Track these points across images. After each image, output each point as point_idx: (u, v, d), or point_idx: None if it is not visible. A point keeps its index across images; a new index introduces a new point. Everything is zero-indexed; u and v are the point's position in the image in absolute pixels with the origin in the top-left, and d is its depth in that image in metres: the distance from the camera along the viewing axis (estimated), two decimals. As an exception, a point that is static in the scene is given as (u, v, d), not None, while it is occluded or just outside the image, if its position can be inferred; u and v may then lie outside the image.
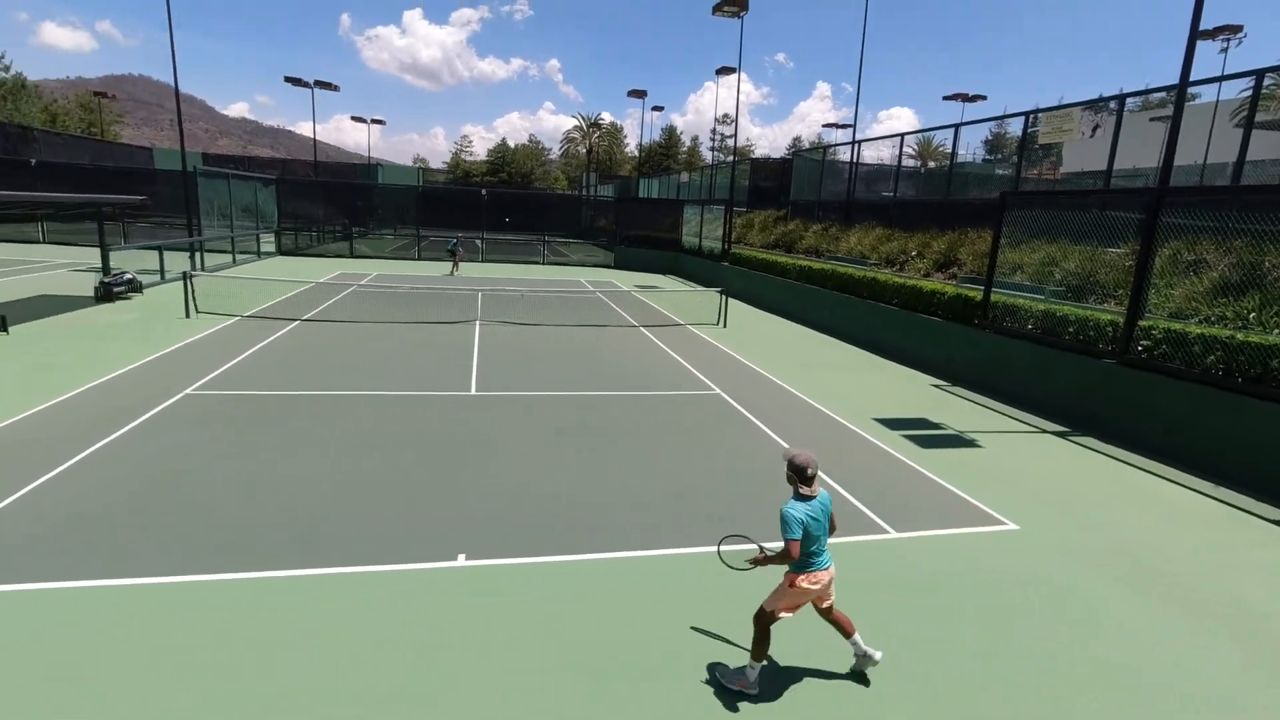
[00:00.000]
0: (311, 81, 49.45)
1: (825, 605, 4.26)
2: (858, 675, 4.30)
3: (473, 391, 10.42)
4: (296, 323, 15.06)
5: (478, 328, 15.52)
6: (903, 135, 21.56)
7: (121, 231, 28.25)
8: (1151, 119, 17.86)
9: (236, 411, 8.85)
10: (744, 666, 4.20)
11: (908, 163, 24.15)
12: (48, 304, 15.71)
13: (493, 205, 37.19)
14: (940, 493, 7.44)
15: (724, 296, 18.40)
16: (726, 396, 10.93)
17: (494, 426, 8.84)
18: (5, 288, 17.62)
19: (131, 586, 4.87)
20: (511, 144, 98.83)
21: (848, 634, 4.29)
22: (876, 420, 9.98)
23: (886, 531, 6.38)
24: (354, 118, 66.99)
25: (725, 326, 17.67)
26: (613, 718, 3.89)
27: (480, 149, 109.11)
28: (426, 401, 9.76)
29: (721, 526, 6.30)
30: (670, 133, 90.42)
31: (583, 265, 34.93)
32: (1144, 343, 9.55)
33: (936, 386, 12.48)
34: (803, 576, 4.03)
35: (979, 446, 9.11)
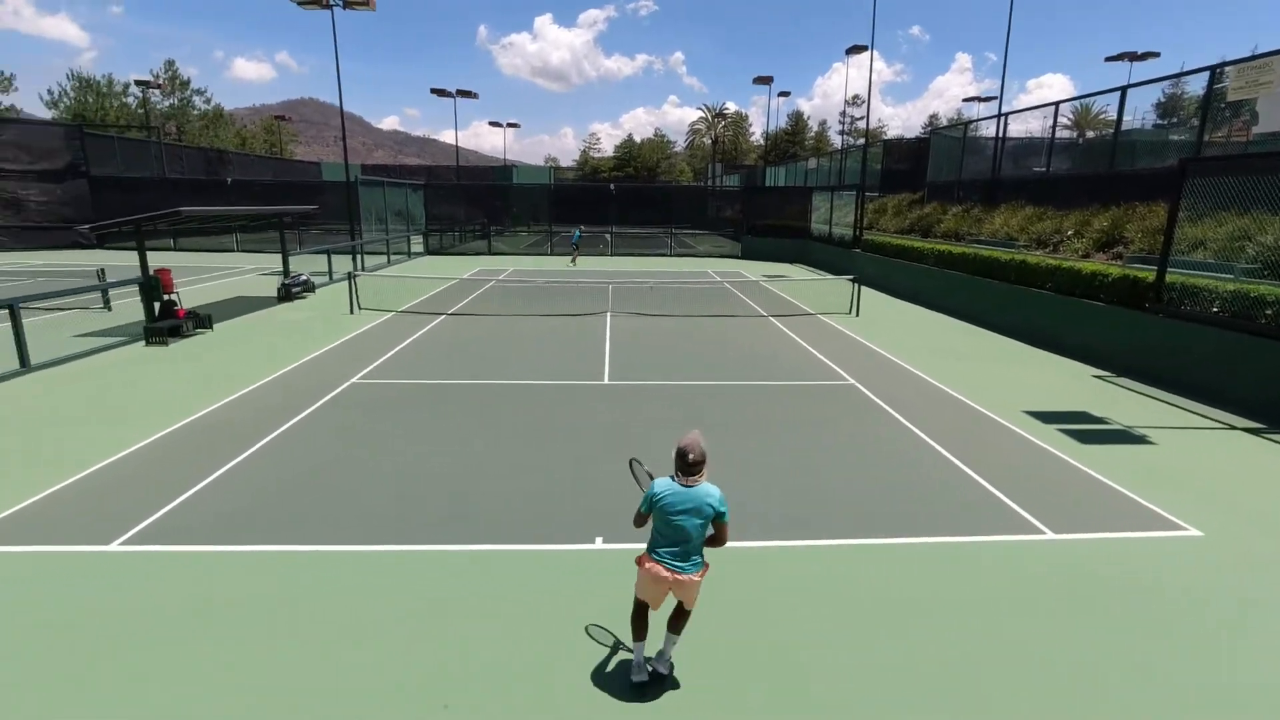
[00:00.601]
0: (454, 91, 52.79)
1: (684, 609, 3.98)
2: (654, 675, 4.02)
3: (606, 381, 10.79)
4: (443, 316, 16.25)
5: (609, 319, 16.00)
6: (1057, 104, 19.74)
7: (297, 238, 31.70)
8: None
9: (394, 399, 9.74)
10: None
11: (1062, 134, 21.96)
12: (241, 304, 17.99)
13: (620, 199, 38.00)
14: (1106, 492, 6.81)
15: (856, 284, 17.74)
16: (861, 387, 10.58)
17: (628, 415, 9.12)
18: (209, 291, 20.36)
19: (307, 553, 5.54)
20: (637, 139, 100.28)
21: (671, 629, 4.03)
22: (1028, 413, 9.27)
23: (1042, 532, 5.96)
24: (491, 123, 70.94)
25: (858, 315, 17.04)
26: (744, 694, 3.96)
27: (607, 145, 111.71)
28: (562, 390, 10.23)
29: (859, 518, 6.17)
30: (796, 118, 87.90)
31: (709, 256, 34.91)
32: (1367, 327, 8.19)
33: (1098, 378, 11.37)
34: (645, 557, 3.84)
35: (1151, 443, 8.23)
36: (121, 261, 24.79)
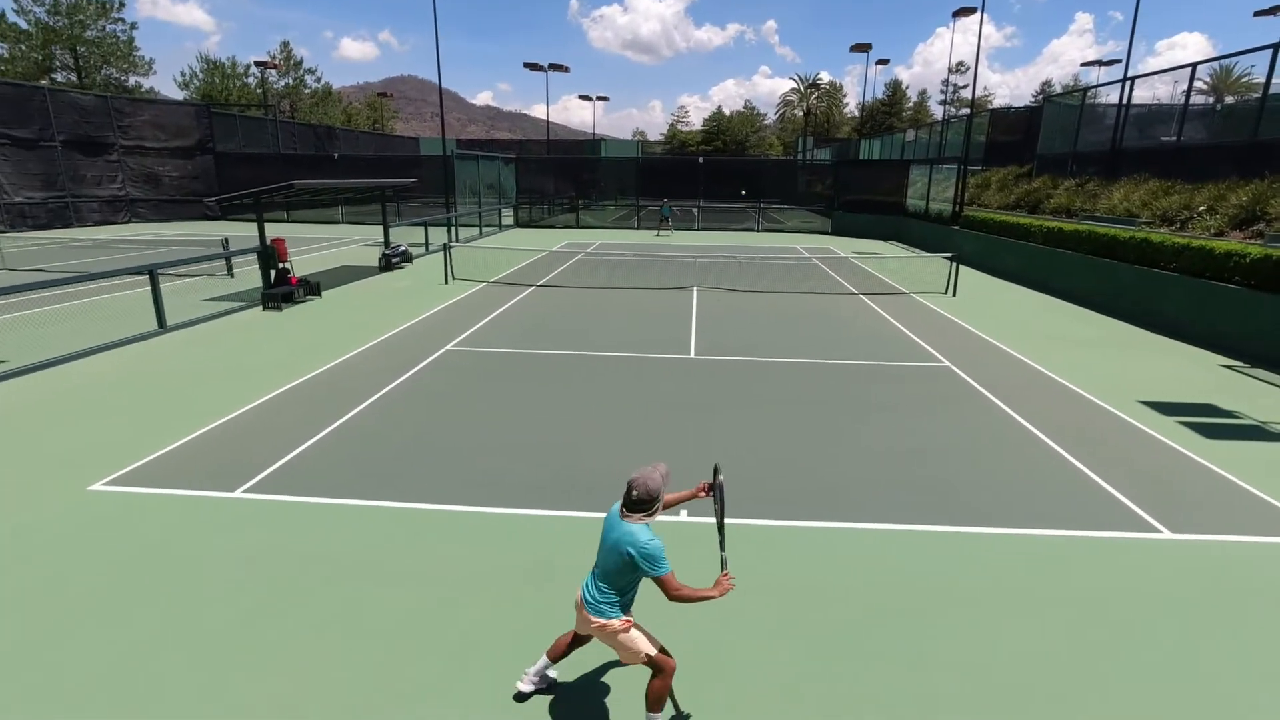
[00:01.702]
0: (545, 65, 53.35)
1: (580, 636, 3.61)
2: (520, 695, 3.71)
3: (692, 355, 10.81)
4: (533, 288, 16.66)
5: (695, 294, 15.96)
6: (1194, 65, 17.87)
7: (398, 211, 33.15)
8: None
9: (487, 366, 10.11)
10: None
11: (1197, 100, 19.91)
12: (346, 273, 19.05)
13: (709, 173, 37.52)
14: (1231, 491, 6.29)
15: (954, 263, 16.89)
16: (957, 370, 10.13)
17: (713, 390, 9.13)
18: (317, 261, 21.64)
19: (411, 510, 5.88)
20: (726, 111, 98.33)
21: (552, 657, 3.70)
22: (1144, 403, 8.63)
23: (1159, 531, 5.58)
24: (580, 96, 71.17)
25: (955, 295, 16.25)
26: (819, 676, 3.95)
27: (695, 119, 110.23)
28: (649, 364, 10.33)
29: (954, 508, 5.97)
30: (895, 88, 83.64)
31: (798, 232, 34.08)
32: None
33: (1228, 367, 10.42)
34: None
35: (1288, 441, 7.50)
36: (242, 232, 26.71)
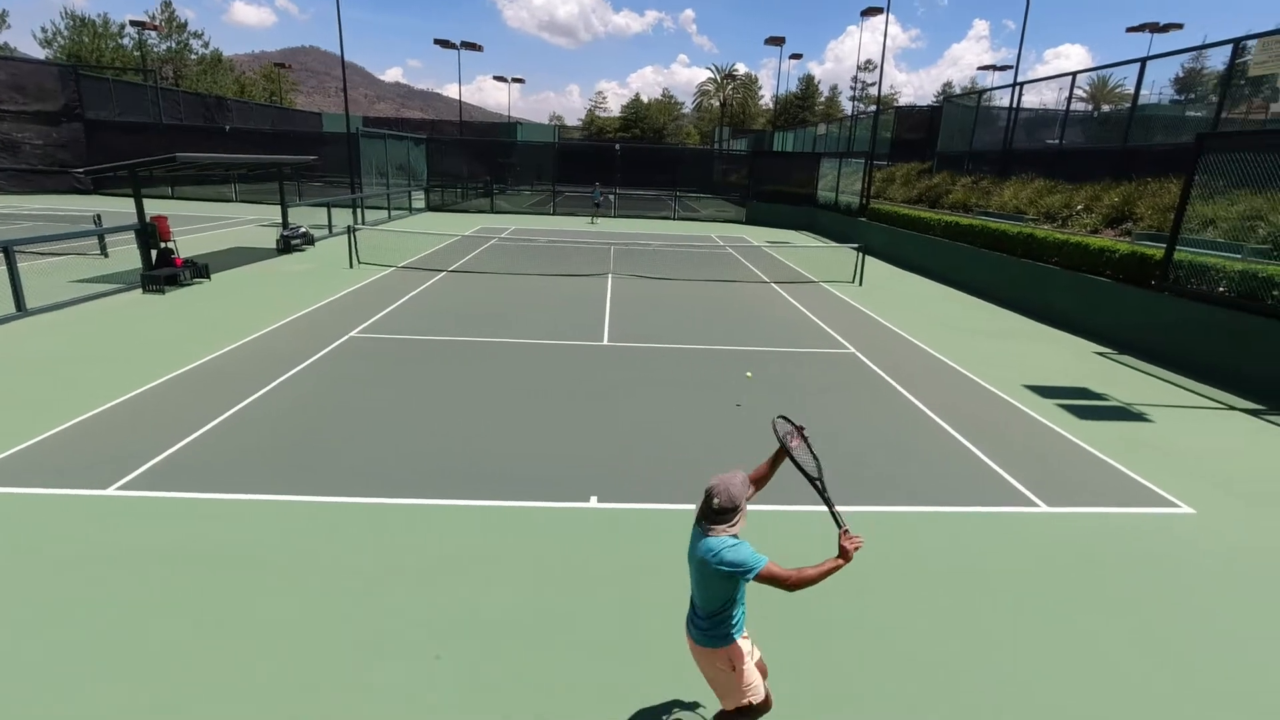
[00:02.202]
0: (458, 43, 51.57)
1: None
2: None
3: (605, 342, 10.74)
4: (444, 273, 16.12)
5: (610, 281, 15.88)
6: (1074, 74, 19.26)
7: (297, 190, 31.29)
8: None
9: (393, 353, 9.69)
10: None
11: (1078, 106, 21.50)
12: (240, 255, 17.82)
13: (627, 161, 37.44)
14: (1100, 467, 6.83)
15: (861, 254, 17.57)
16: (862, 356, 10.54)
17: (626, 376, 9.10)
18: (207, 241, 20.14)
19: (301, 503, 5.55)
20: (645, 99, 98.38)
21: None
22: (1028, 387, 9.25)
23: (1036, 505, 5.98)
24: (495, 77, 69.34)
25: (862, 285, 16.92)
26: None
27: (614, 105, 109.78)
28: (562, 350, 10.19)
29: (853, 486, 6.18)
30: (808, 83, 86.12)
31: (714, 220, 34.55)
32: (1374, 311, 8.12)
33: (1101, 354, 11.33)
34: None
35: (1149, 421, 8.23)
36: (118, 208, 24.51)
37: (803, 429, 3.12)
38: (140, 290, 12.88)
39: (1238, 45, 13.40)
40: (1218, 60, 14.97)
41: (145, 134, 34.20)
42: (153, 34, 54.60)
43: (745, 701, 3.02)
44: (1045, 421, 8.06)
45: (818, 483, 3.08)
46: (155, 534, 4.97)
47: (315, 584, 4.48)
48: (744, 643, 3.01)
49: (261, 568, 4.63)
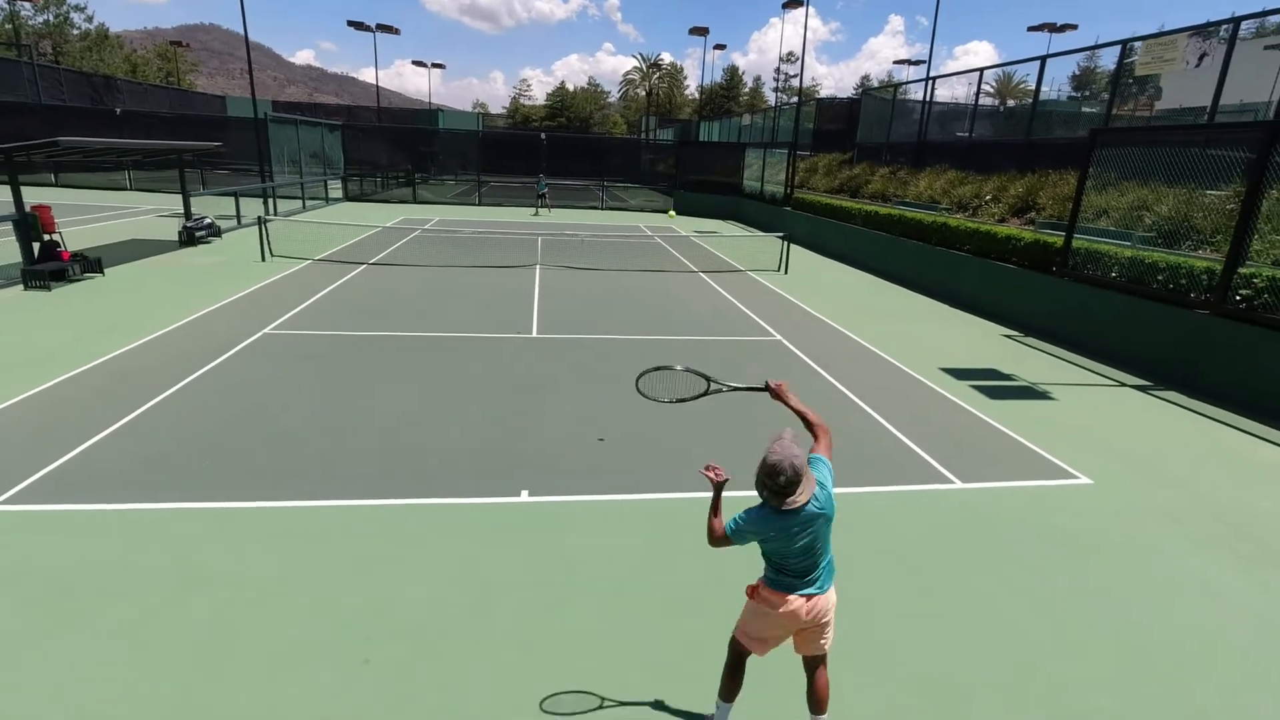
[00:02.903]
0: (373, 25, 49.54)
1: (808, 654, 3.18)
2: None
3: (534, 334, 10.59)
4: (364, 266, 15.51)
5: (538, 272, 15.66)
6: (981, 71, 20.27)
7: (201, 178, 29.39)
8: (1267, 47, 16.16)
9: (311, 350, 9.25)
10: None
11: (985, 101, 22.64)
12: (138, 248, 16.61)
13: (553, 150, 36.96)
14: (1009, 444, 7.22)
15: (786, 243, 17.97)
16: (788, 343, 10.78)
17: (555, 368, 8.99)
18: (99, 232, 18.67)
19: (217, 510, 5.24)
20: (570, 87, 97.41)
21: (814, 710, 3.24)
22: (943, 370, 9.69)
23: (951, 482, 6.27)
24: (415, 62, 67.06)
25: (787, 273, 17.30)
26: (649, 645, 4.02)
27: (539, 93, 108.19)
28: (489, 343, 9.98)
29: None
30: (732, 73, 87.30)
31: (642, 210, 34.59)
32: (1243, 292, 8.89)
33: (1008, 337, 11.99)
34: (765, 589, 3.01)
35: (1052, 399, 8.77)
36: (-5, 197, 22.39)
37: (666, 367, 3.20)
38: (21, 287, 11.83)
39: (1126, 46, 14.38)
40: (1109, 60, 16.03)
41: (21, 115, 31.37)
42: (27, 6, 50.02)
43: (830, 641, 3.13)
44: (959, 401, 8.46)
45: (712, 384, 3.25)
46: (43, 551, 4.58)
47: (229, 593, 4.22)
48: (774, 596, 2.99)
49: (168, 581, 4.32)
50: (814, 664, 3.21)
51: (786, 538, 2.83)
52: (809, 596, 2.94)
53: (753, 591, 3.04)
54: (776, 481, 2.71)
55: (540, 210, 30.84)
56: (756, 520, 2.85)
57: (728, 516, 2.96)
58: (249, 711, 3.39)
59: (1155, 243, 11.18)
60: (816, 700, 3.21)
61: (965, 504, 5.90)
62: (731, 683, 3.25)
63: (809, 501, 2.79)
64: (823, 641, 3.10)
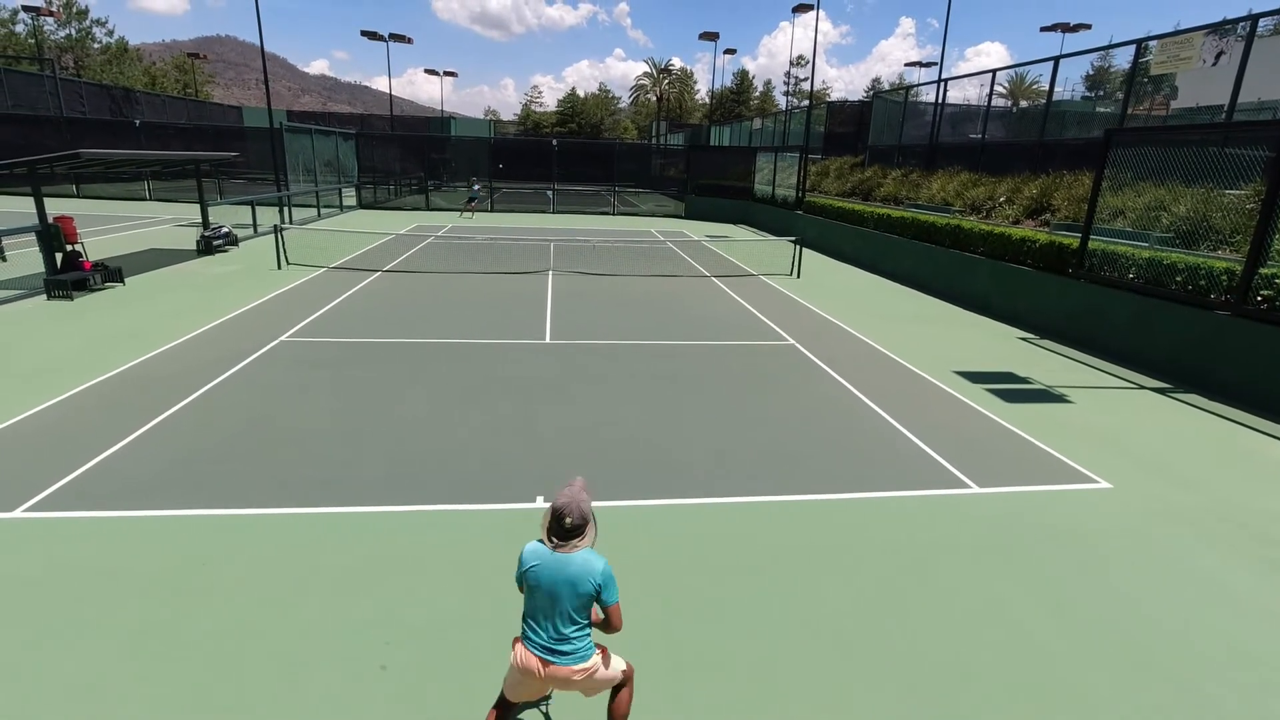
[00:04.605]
0: (386, 35, 50.03)
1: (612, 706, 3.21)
2: None
3: (547, 340, 10.63)
4: (379, 273, 15.64)
5: (550, 278, 15.73)
6: (994, 72, 20.11)
7: (218, 188, 29.80)
8: (1287, 43, 15.95)
9: (328, 357, 9.35)
10: None
11: (998, 102, 22.49)
12: (157, 257, 16.85)
13: (564, 156, 37.13)
14: (1026, 448, 7.16)
15: (798, 246, 17.94)
16: (801, 347, 10.76)
17: (569, 374, 9.02)
18: (120, 242, 18.97)
19: (234, 516, 5.30)
20: (581, 94, 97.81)
21: (613, 716, 3.23)
22: (957, 373, 9.63)
23: (968, 486, 6.22)
24: (427, 70, 67.58)
25: (799, 277, 17.27)
26: (666, 654, 4.02)
27: (550, 99, 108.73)
28: (503, 349, 10.03)
29: (796, 475, 6.30)
30: (742, 77, 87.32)
31: (653, 215, 34.64)
32: (1264, 293, 8.78)
33: (1024, 340, 11.89)
34: (517, 639, 3.02)
35: (1069, 402, 8.68)
36: (16, 208, 22.80)
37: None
38: (44, 296, 12.03)
39: (1140, 45, 14.24)
40: (1123, 59, 15.90)
41: (44, 128, 31.98)
42: (50, 20, 50.97)
43: (621, 672, 3.15)
44: (974, 405, 8.40)
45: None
46: (67, 556, 4.65)
47: (247, 598, 4.27)
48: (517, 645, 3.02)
49: (190, 585, 4.38)
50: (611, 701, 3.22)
51: (539, 582, 2.87)
52: (539, 658, 2.91)
53: (516, 643, 3.03)
54: (560, 523, 2.83)
55: (465, 214, 30.85)
56: (527, 551, 2.92)
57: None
58: (266, 717, 3.43)
59: (1173, 243, 11.05)
60: (611, 709, 3.22)
61: (981, 509, 5.86)
62: None
63: (582, 562, 2.84)
64: (600, 692, 3.13)
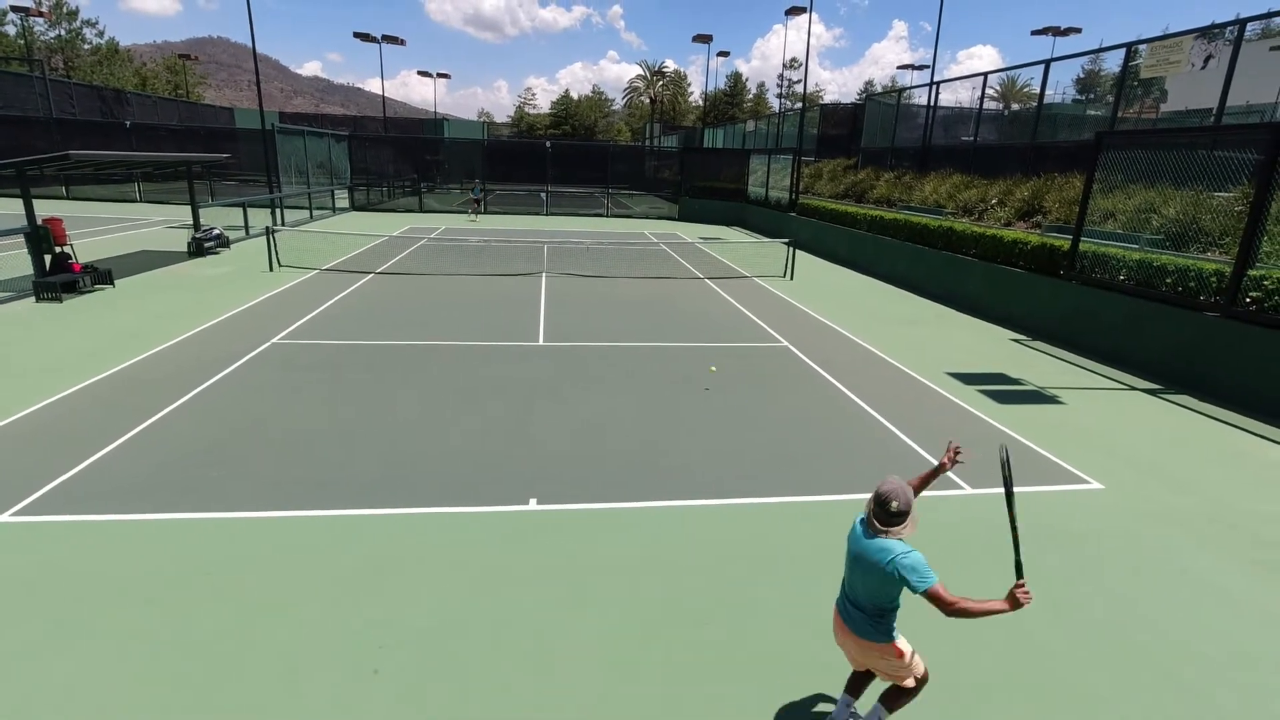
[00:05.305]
0: (379, 36, 49.92)
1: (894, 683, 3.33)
2: None
3: (541, 342, 10.61)
4: (372, 275, 15.58)
5: (544, 280, 15.70)
6: (985, 75, 20.21)
7: (209, 189, 29.64)
8: (1272, 48, 16.11)
9: (319, 360, 9.30)
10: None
11: (989, 105, 22.61)
12: (147, 259, 16.74)
13: (557, 158, 37.12)
14: (1017, 449, 7.18)
15: (791, 248, 17.96)
16: (795, 349, 10.77)
17: (563, 376, 9.01)
18: (110, 244, 18.84)
19: (225, 520, 5.26)
20: (574, 96, 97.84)
21: (883, 702, 3.41)
22: (951, 375, 9.66)
23: (961, 488, 6.24)
24: (420, 72, 67.47)
25: (792, 279, 17.30)
26: (659, 659, 4.01)
27: (543, 101, 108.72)
28: (497, 351, 10.01)
29: (789, 477, 6.30)
30: (735, 80, 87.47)
31: (646, 217, 34.65)
32: (1253, 294, 8.84)
33: (1016, 341, 11.94)
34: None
35: (1061, 403, 8.72)
36: (5, 210, 22.63)
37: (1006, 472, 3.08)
38: (33, 299, 11.94)
39: (1130, 49, 14.35)
40: (1113, 63, 16.02)
41: (33, 129, 31.77)
42: (39, 21, 50.65)
43: (916, 678, 3.25)
44: (967, 406, 8.42)
45: (1013, 523, 3.09)
46: (55, 562, 4.61)
47: (239, 603, 4.24)
48: (902, 640, 3.18)
49: (180, 590, 4.35)
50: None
51: (848, 553, 3.14)
52: (840, 619, 3.22)
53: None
54: (885, 507, 2.97)
55: (471, 217, 30.85)
56: (857, 521, 3.16)
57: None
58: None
59: (1163, 245, 11.12)
60: (885, 695, 3.38)
61: (974, 510, 5.87)
62: (853, 683, 3.50)
63: (879, 549, 2.97)
64: (887, 677, 3.28)
